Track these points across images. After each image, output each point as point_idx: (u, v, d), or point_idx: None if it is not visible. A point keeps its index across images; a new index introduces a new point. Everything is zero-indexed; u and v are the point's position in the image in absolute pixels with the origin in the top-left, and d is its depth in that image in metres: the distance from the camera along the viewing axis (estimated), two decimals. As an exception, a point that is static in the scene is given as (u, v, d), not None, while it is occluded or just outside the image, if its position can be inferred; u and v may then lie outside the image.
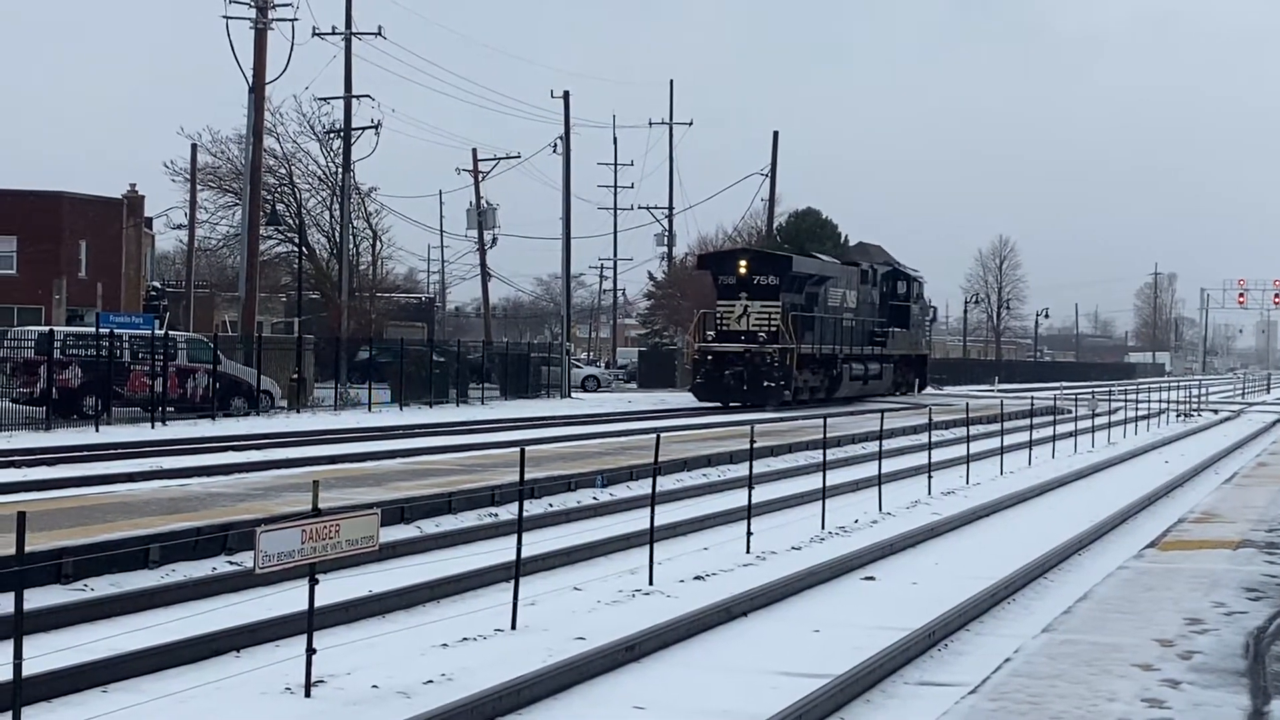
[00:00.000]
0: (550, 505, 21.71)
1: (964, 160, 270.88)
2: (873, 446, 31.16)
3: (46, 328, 42.41)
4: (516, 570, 13.55)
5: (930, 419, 30.69)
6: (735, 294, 55.00)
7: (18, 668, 8.77)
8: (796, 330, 54.52)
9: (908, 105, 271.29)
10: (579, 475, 24.17)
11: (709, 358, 54.67)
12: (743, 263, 55.41)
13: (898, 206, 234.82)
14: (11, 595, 9.05)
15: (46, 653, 10.51)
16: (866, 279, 64.11)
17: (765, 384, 53.67)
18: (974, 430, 33.29)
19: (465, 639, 12.57)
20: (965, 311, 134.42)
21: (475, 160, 77.56)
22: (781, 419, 43.99)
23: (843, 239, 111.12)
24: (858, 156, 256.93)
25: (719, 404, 54.66)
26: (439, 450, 30.11)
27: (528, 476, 14.77)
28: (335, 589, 13.38)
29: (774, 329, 53.93)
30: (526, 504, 14.55)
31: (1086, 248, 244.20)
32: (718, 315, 55.64)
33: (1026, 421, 37.88)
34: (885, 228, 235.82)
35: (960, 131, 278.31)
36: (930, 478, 26.38)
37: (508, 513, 19.73)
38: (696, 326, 57.44)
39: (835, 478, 24.49)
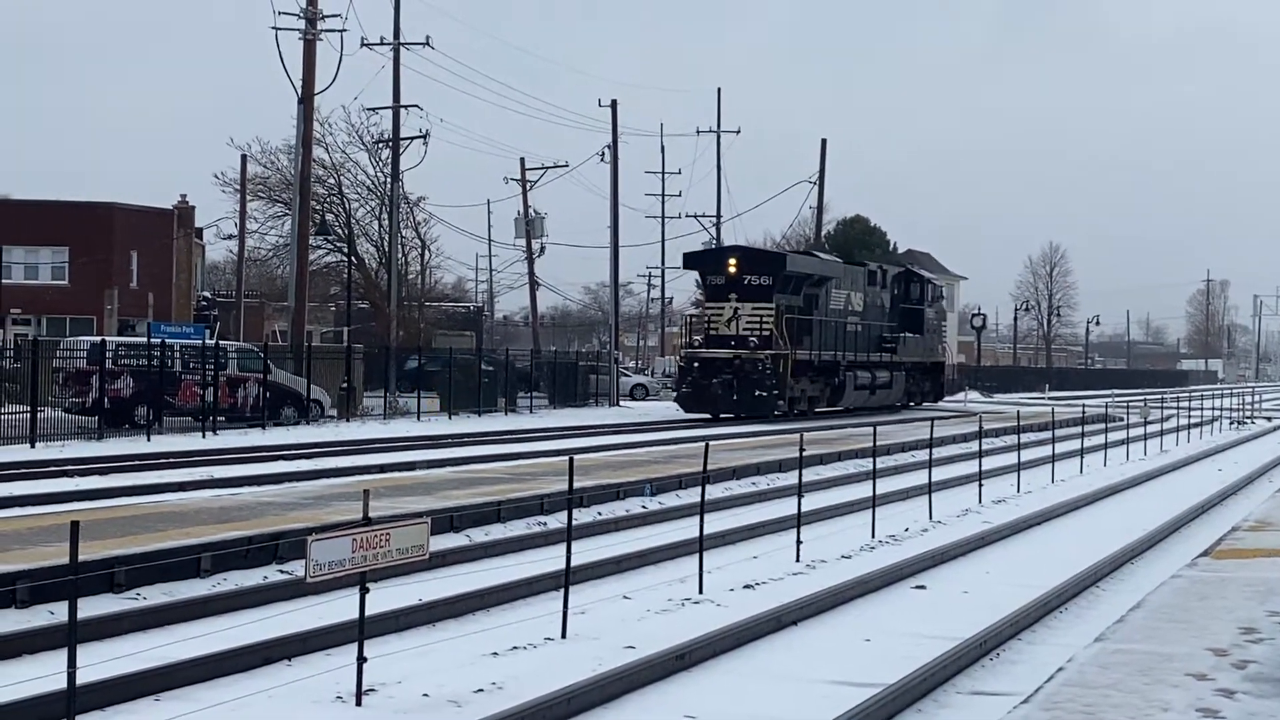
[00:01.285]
0: (599, 514, 21.70)
1: (1015, 167, 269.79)
2: (922, 455, 31.04)
3: (99, 338, 42.71)
4: (566, 579, 13.54)
5: (980, 427, 30.53)
6: (724, 295, 50.65)
7: (71, 676, 8.81)
8: (792, 334, 50.33)
9: (958, 112, 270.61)
10: (627, 484, 24.16)
11: (695, 364, 50.01)
12: (732, 261, 50.98)
13: (947, 214, 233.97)
14: (65, 604, 9.09)
15: (100, 661, 10.56)
16: (875, 280, 59.58)
17: (756, 393, 48.92)
18: (1025, 438, 33.12)
19: (515, 647, 12.57)
20: (1015, 319, 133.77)
21: (523, 169, 77.75)
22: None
23: (891, 246, 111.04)
24: (907, 164, 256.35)
25: (707, 415, 50.25)
26: (488, 459, 30.16)
27: (576, 485, 14.76)
28: (385, 597, 13.42)
29: (766, 333, 49.44)
30: (575, 512, 14.56)
31: (1139, 254, 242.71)
32: (706, 318, 51.50)
33: (1078, 429, 37.62)
34: (935, 235, 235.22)
35: (1011, 138, 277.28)
36: (981, 486, 26.24)
37: (557, 521, 19.73)
38: (683, 331, 53.44)
39: (885, 486, 24.39)
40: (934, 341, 65.39)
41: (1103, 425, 45.29)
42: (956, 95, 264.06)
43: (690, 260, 57.03)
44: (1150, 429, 45.24)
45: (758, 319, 49.47)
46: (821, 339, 53.05)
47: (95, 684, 10.24)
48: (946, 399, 70.17)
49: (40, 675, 10.25)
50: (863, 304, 57.28)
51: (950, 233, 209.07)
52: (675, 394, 53.78)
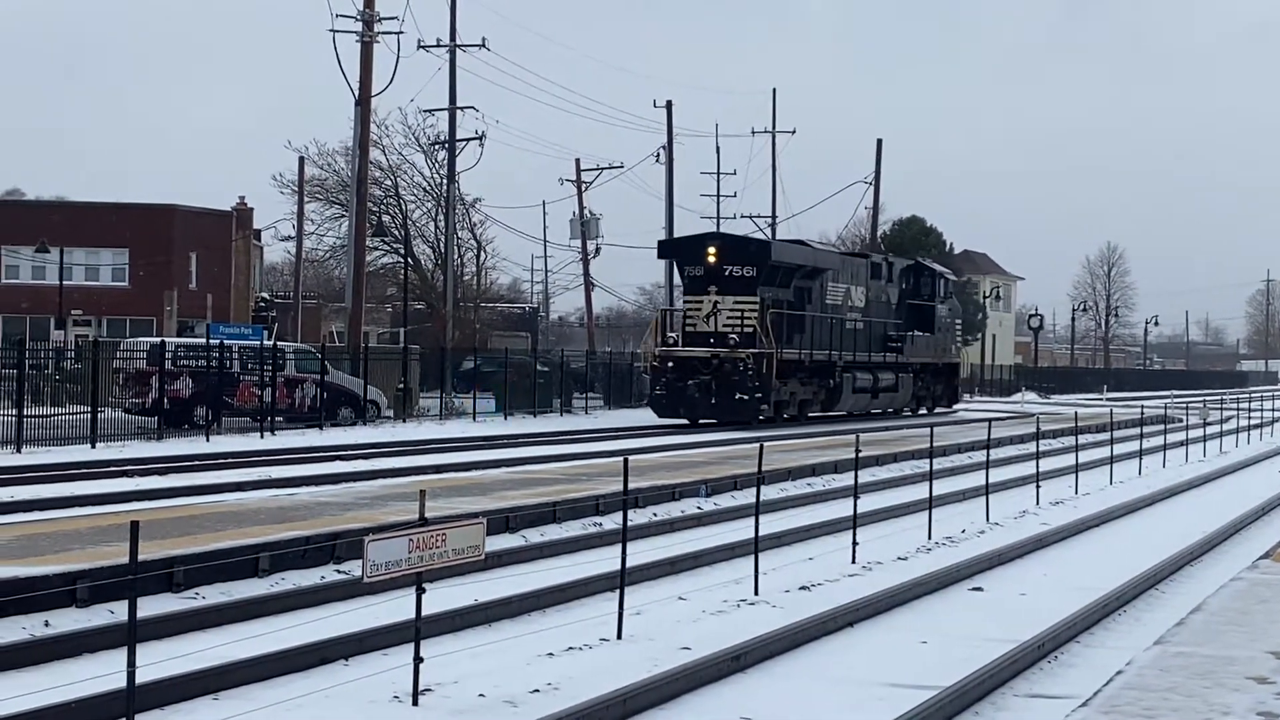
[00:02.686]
0: (654, 515, 21.70)
1: (1073, 167, 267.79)
2: (979, 456, 30.90)
3: (158, 339, 43.04)
4: (621, 580, 13.55)
5: (1038, 428, 30.35)
6: (703, 288, 45.50)
7: (131, 675, 8.88)
8: (779, 331, 45.23)
9: (1015, 112, 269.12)
10: (683, 484, 24.15)
11: (669, 365, 44.87)
12: (710, 250, 45.55)
13: (1004, 214, 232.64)
14: (125, 603, 9.16)
15: (159, 660, 10.64)
16: (879, 274, 54.65)
17: (737, 396, 43.96)
18: (1082, 439, 32.91)
19: (571, 648, 12.59)
20: (1073, 319, 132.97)
21: (578, 170, 77.89)
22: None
23: (947, 247, 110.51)
24: (964, 164, 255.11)
25: (686, 421, 45.39)
26: (543, 459, 30.21)
27: (632, 486, 14.77)
28: (441, 598, 13.45)
29: (749, 330, 44.31)
30: (631, 513, 14.55)
31: (1197, 255, 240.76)
32: (683, 314, 46.69)
33: (1136, 431, 37.36)
34: (991, 236, 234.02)
35: (1069, 138, 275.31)
36: (1038, 487, 26.09)
37: (612, 522, 19.73)
38: (655, 327, 47.69)
39: (941, 487, 24.29)
40: (947, 341, 60.31)
41: (1161, 427, 44.96)
42: (1014, 93, 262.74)
43: (665, 249, 52.17)
44: (1210, 430, 44.87)
45: (739, 314, 44.64)
46: (815, 337, 48.28)
47: (154, 683, 10.32)
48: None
49: (100, 674, 10.35)
50: (865, 299, 52.68)
51: (1008, 233, 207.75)
52: (647, 398, 48.68)
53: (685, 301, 46.97)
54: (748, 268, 45.16)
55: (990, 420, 38.72)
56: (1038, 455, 28.13)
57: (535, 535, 19.29)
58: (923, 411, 58.54)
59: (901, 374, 55.04)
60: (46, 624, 12.73)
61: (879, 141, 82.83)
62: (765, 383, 44.41)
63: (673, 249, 50.53)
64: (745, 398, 43.99)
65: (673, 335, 45.89)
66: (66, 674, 10.84)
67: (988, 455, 25.96)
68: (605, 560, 15.62)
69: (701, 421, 45.02)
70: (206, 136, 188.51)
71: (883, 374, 53.23)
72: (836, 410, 50.47)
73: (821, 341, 48.57)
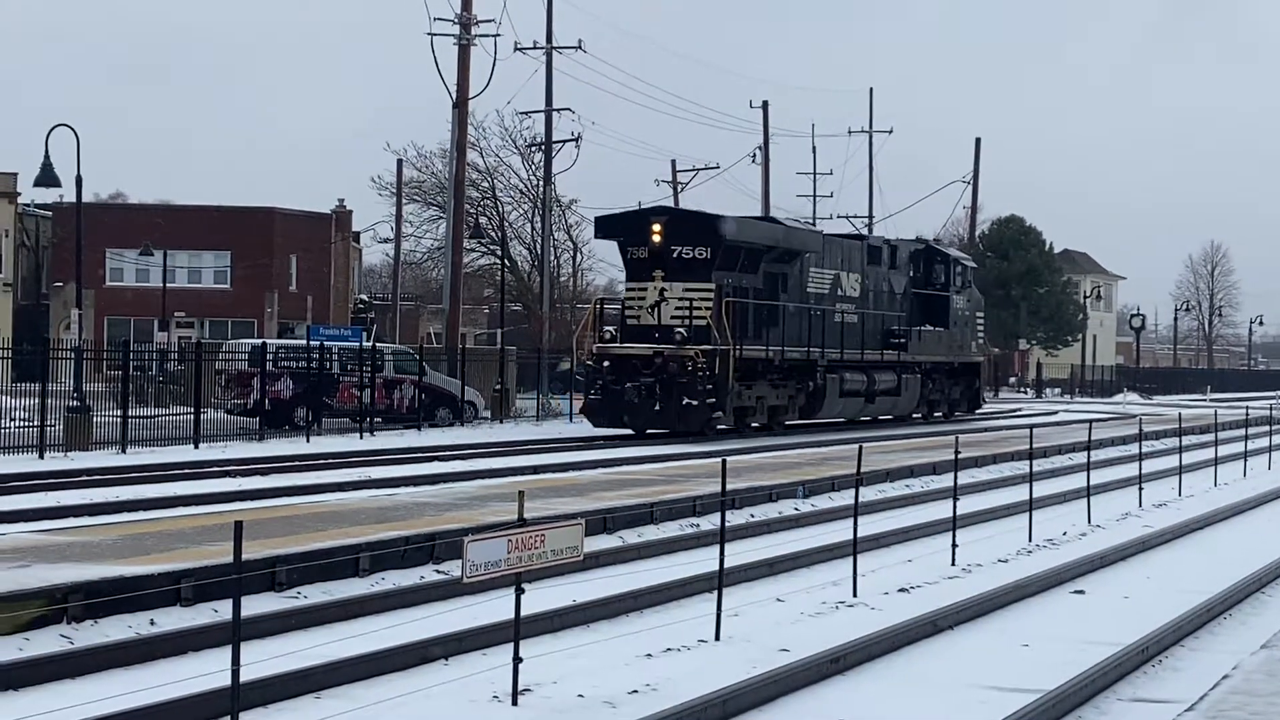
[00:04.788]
0: (752, 516, 21.66)
1: (1176, 164, 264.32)
2: (1080, 458, 30.58)
3: (259, 340, 43.55)
4: (719, 581, 13.53)
5: (1140, 430, 29.99)
6: (647, 273, 38.24)
7: (235, 673, 8.98)
8: (739, 324, 38.16)
9: (1117, 109, 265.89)
10: (780, 486, 24.08)
11: (605, 364, 37.94)
12: (655, 226, 38.21)
13: (1106, 212, 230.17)
14: (228, 602, 9.27)
15: (262, 659, 10.75)
16: (879, 258, 46.81)
17: (684, 401, 36.88)
18: (1186, 441, 32.49)
19: (669, 649, 12.59)
20: (1175, 319, 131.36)
21: (674, 171, 77.86)
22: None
23: (1048, 246, 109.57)
24: (1064, 162, 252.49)
25: (631, 431, 38.17)
26: (639, 460, 30.23)
27: (729, 487, 14.75)
28: (539, 598, 13.49)
29: (701, 322, 37.28)
30: (728, 514, 14.53)
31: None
32: (624, 303, 39.69)
33: (1240, 432, 36.82)
34: (1092, 235, 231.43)
35: (1172, 135, 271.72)
36: (1141, 489, 25.78)
37: (709, 523, 19.72)
38: (589, 319, 40.69)
39: (1041, 489, 24.06)
40: (965, 337, 52.01)
41: (1267, 428, 44.26)
42: (1117, 90, 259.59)
43: (604, 226, 42.53)
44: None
45: (688, 304, 37.61)
46: (790, 331, 40.85)
47: (258, 681, 10.44)
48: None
49: (204, 672, 10.48)
50: (859, 287, 45.21)
51: (1109, 232, 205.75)
52: (582, 404, 41.14)
53: (626, 289, 39.92)
54: (700, 248, 37.98)
55: (1090, 421, 38.32)
56: (1140, 457, 27.78)
57: (632, 536, 19.32)
58: (937, 415, 51.10)
59: (906, 375, 47.24)
60: (152, 622, 12.91)
61: (977, 140, 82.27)
62: (721, 386, 37.39)
63: (612, 226, 42.01)
64: (694, 403, 37.02)
65: (611, 329, 38.95)
66: (172, 672, 10.98)
67: (1088, 457, 25.68)
68: (702, 561, 15.60)
69: (650, 432, 38.14)
70: (305, 139, 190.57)
71: (881, 375, 45.57)
72: (819, 417, 43.30)
73: (798, 336, 41.22)
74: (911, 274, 48.80)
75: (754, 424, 40.27)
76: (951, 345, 50.51)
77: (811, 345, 41.54)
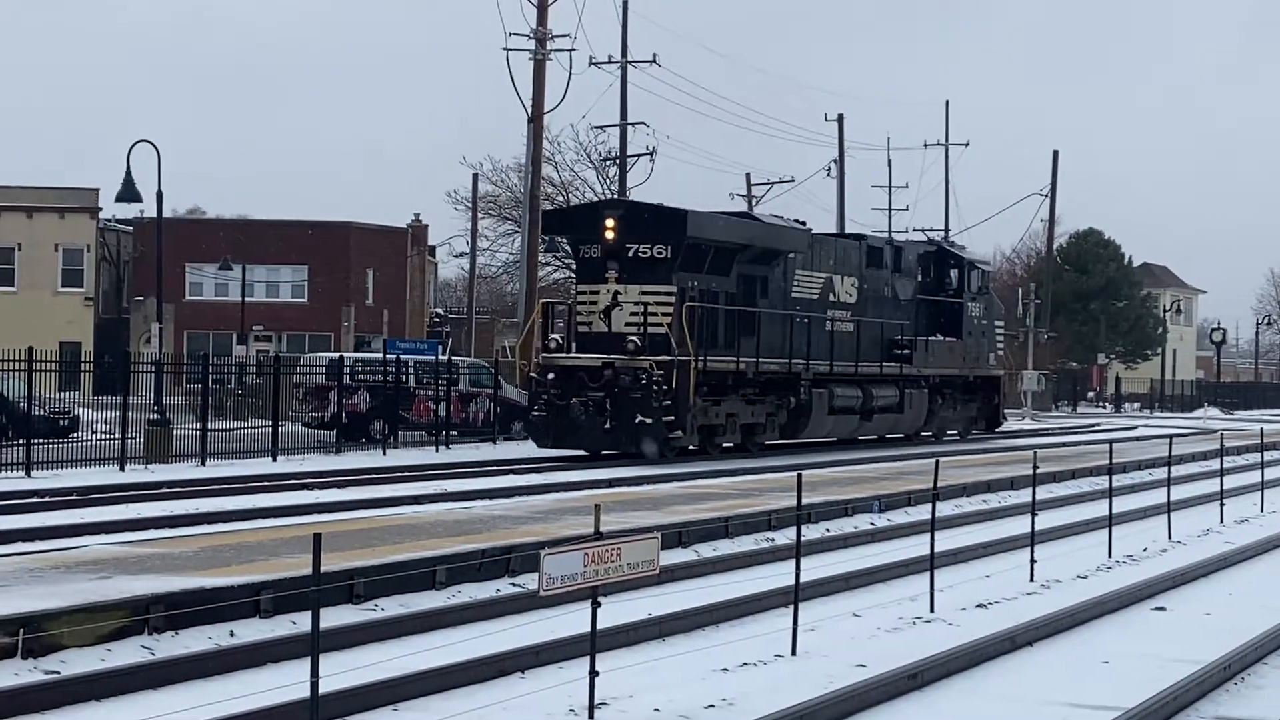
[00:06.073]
0: (827, 530, 21.59)
1: (1258, 177, 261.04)
2: (1160, 473, 30.28)
3: (336, 354, 43.87)
4: (796, 595, 13.49)
5: (1222, 445, 29.66)
6: (599, 274, 34.28)
7: (314, 685, 9.04)
8: (706, 332, 34.30)
9: (1199, 119, 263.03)
10: (855, 500, 23.99)
11: (550, 376, 33.97)
12: (609, 221, 34.09)
13: (1186, 226, 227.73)
14: (307, 614, 9.34)
15: (340, 670, 10.82)
16: (880, 261, 42.38)
17: (638, 419, 32.95)
18: (1268, 456, 32.10)
19: (745, 664, 12.56)
20: (1256, 333, 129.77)
21: (748, 185, 77.76)
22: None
23: (1126, 260, 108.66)
24: (1144, 175, 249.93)
25: (586, 453, 34.53)
26: (714, 474, 30.16)
27: (804, 501, 14.70)
28: (615, 612, 13.50)
29: (659, 330, 33.33)
30: (804, 528, 14.50)
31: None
32: (573, 308, 35.91)
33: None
34: (1172, 248, 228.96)
35: (1255, 147, 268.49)
36: (1222, 505, 25.49)
37: (784, 537, 19.67)
38: (533, 326, 37.25)
39: (1121, 505, 23.85)
40: (980, 348, 47.38)
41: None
42: (1198, 99, 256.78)
43: (553, 221, 39.32)
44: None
45: (643, 309, 33.60)
46: (769, 340, 36.55)
47: (336, 693, 10.49)
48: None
49: (283, 684, 10.56)
50: (856, 292, 40.96)
51: (1189, 246, 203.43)
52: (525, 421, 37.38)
53: (577, 292, 36.10)
54: (660, 246, 33.96)
55: (1171, 436, 37.93)
56: (1221, 472, 27.47)
57: (707, 550, 19.29)
58: (951, 434, 46.90)
59: (910, 390, 42.83)
60: (231, 634, 13.02)
61: (1055, 153, 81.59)
62: (680, 401, 33.44)
63: (562, 221, 38.77)
64: (648, 421, 33.00)
65: (557, 337, 35.15)
66: (251, 683, 11.07)
67: (1169, 472, 25.42)
68: (778, 576, 15.57)
69: (605, 454, 34.46)
70: (382, 154, 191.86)
71: (880, 389, 41.37)
72: (804, 437, 39.06)
73: (779, 347, 36.98)
74: (920, 278, 44.58)
75: (725, 444, 36.33)
76: (965, 357, 46.09)
77: (794, 356, 37.44)
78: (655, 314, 33.46)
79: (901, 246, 44.70)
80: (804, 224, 40.40)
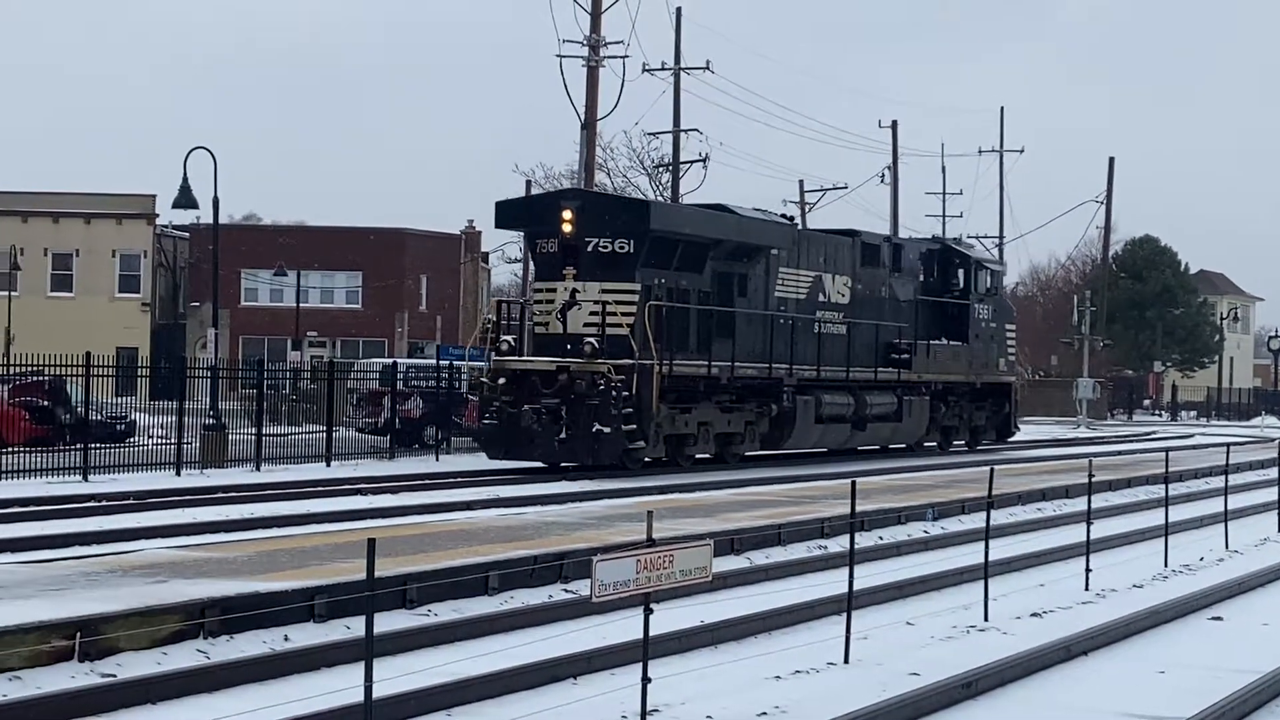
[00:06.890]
0: (880, 538, 21.51)
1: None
2: (1216, 482, 30.03)
3: (390, 360, 44.05)
4: (849, 603, 13.44)
5: (1279, 452, 29.38)
6: (557, 270, 32.03)
7: (368, 690, 9.08)
8: (675, 334, 32.16)
9: (1257, 123, 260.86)
10: (909, 508, 23.90)
11: (501, 382, 31.69)
12: (567, 214, 31.63)
13: (1244, 232, 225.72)
14: (361, 619, 9.37)
15: (394, 675, 10.85)
16: (876, 259, 39.69)
17: (595, 429, 30.55)
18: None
19: (797, 671, 12.53)
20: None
21: (801, 191, 77.62)
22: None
23: (1183, 267, 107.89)
24: (1201, 182, 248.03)
25: (541, 465, 32.02)
26: (768, 481, 30.11)
27: (857, 509, 14.66)
28: (667, 618, 13.48)
29: (619, 330, 31.01)
30: (856, 536, 14.44)
31: None
32: (528, 307, 34.05)
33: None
34: (1230, 255, 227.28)
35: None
36: (1280, 514, 25.26)
37: (837, 545, 19.61)
38: (484, 328, 35.17)
39: (1177, 514, 23.64)
40: (989, 353, 44.51)
41: None
42: (1259, 111, 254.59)
43: (506, 214, 35.30)
44: None
45: (601, 309, 31.27)
46: (747, 343, 34.35)
47: (390, 698, 10.53)
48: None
49: (337, 688, 10.60)
50: (849, 293, 38.39)
51: (1247, 252, 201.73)
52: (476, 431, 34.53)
53: (533, 290, 33.77)
54: (622, 240, 31.54)
55: (1228, 445, 37.58)
56: None
57: (760, 557, 19.25)
58: (958, 444, 44.38)
59: (910, 397, 40.23)
60: (286, 638, 13.08)
61: (1110, 160, 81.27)
62: (642, 409, 31.15)
63: (516, 213, 35.52)
64: (606, 430, 30.52)
65: (510, 339, 32.57)
66: (305, 687, 11.11)
67: (1226, 481, 25.22)
68: (830, 583, 15.52)
69: (564, 466, 31.94)
70: (435, 160, 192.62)
71: (876, 397, 38.70)
72: (788, 447, 36.55)
73: (759, 350, 34.68)
74: (922, 278, 41.92)
75: (697, 455, 33.94)
76: (972, 362, 43.36)
77: (776, 360, 34.94)
78: (615, 314, 31.12)
79: (901, 244, 42.52)
80: (790, 219, 38.54)
